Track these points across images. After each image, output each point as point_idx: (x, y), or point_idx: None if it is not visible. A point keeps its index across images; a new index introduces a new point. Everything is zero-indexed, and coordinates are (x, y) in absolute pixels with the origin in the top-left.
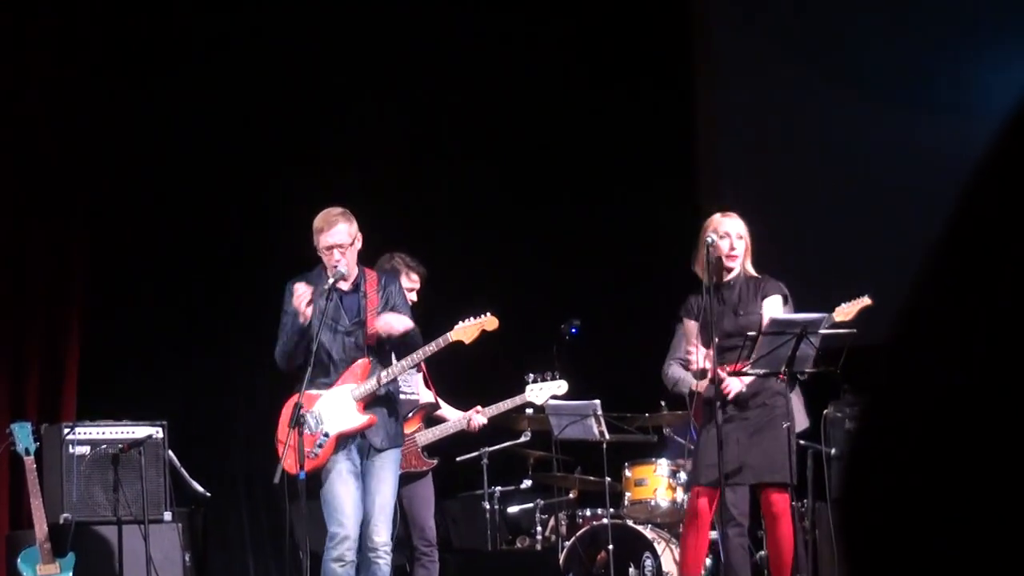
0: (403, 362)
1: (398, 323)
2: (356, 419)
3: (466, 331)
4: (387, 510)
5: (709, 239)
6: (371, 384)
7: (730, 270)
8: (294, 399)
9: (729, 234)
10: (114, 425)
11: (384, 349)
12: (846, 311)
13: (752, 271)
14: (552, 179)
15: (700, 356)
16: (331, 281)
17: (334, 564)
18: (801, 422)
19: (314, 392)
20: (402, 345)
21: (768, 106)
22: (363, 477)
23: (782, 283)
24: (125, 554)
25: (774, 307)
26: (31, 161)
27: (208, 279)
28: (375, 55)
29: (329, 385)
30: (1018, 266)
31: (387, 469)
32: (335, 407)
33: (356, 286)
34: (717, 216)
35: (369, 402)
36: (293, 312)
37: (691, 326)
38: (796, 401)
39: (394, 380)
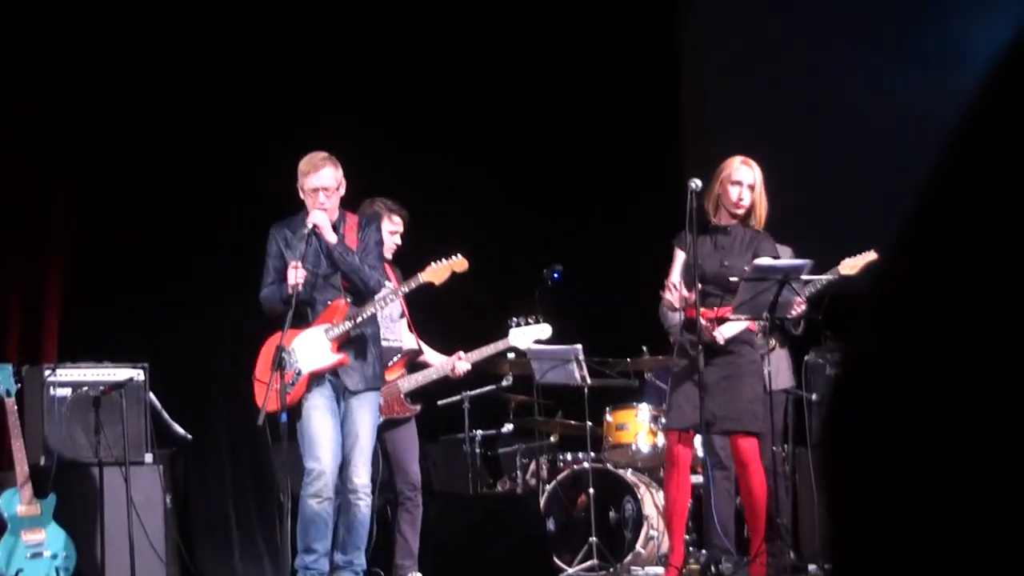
0: (377, 303)
1: (324, 223)
2: (328, 358)
3: (437, 272)
4: (366, 452)
5: (693, 185)
6: (346, 325)
7: (735, 217)
8: (273, 339)
9: (742, 183)
10: (95, 367)
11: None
12: (851, 265)
13: (756, 224)
14: (536, 124)
15: (675, 296)
16: (311, 226)
17: (311, 500)
18: (785, 380)
19: (293, 330)
20: (343, 267)
21: (754, 55)
22: (342, 419)
23: (776, 244)
24: (106, 496)
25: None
26: (13, 101)
27: (193, 221)
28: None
29: (308, 325)
30: (996, 220)
31: (365, 411)
32: (310, 346)
33: (335, 229)
34: (736, 162)
35: (344, 343)
36: (278, 282)
37: (679, 256)
38: (783, 358)
39: (372, 323)
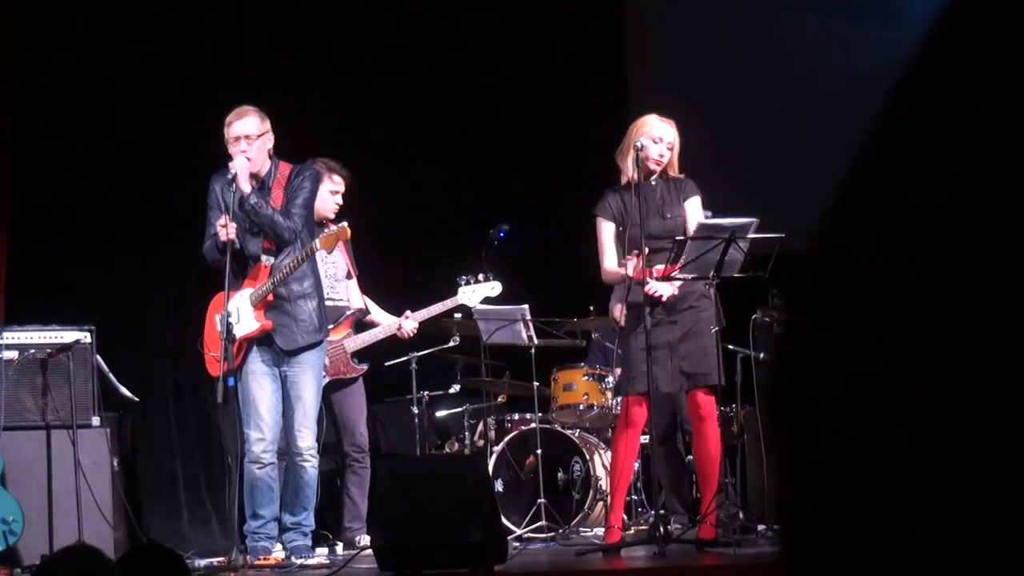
0: (288, 262)
1: (242, 170)
2: (252, 323)
3: (326, 240)
4: (310, 415)
5: (639, 143)
6: (267, 286)
7: (652, 172)
8: (213, 305)
9: (663, 139)
10: (42, 330)
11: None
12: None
13: (671, 172)
14: (482, 84)
15: (630, 266)
16: (230, 175)
17: (252, 465)
18: None
19: (231, 291)
20: (254, 218)
21: (698, 10)
22: (283, 382)
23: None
24: (53, 459)
25: (695, 208)
26: None
27: (136, 182)
28: None
29: (241, 285)
30: (936, 175)
31: (307, 373)
32: (241, 310)
33: (262, 183)
34: (655, 119)
35: (268, 305)
36: (215, 234)
37: (608, 228)
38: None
39: (306, 276)
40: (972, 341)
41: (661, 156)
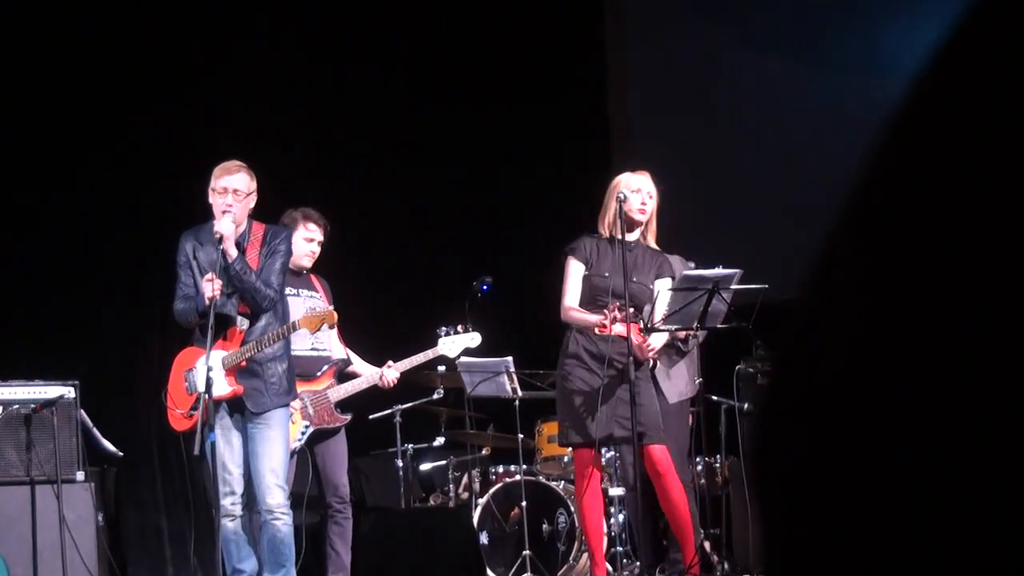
0: (265, 337)
1: (229, 233)
2: (223, 388)
3: (310, 321)
4: (278, 471)
5: (621, 195)
6: (239, 355)
7: (638, 224)
8: (181, 358)
9: (641, 189)
10: (26, 385)
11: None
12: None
13: (653, 243)
14: (465, 135)
15: (610, 317)
16: (216, 236)
17: (224, 520)
18: (687, 391)
19: (200, 348)
20: (237, 284)
21: (680, 64)
22: (250, 441)
23: (681, 259)
24: (38, 514)
25: (664, 289)
26: None
27: (121, 236)
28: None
29: (213, 345)
30: (920, 224)
31: (273, 429)
32: (211, 371)
33: (239, 243)
34: (627, 174)
35: (239, 371)
36: (190, 294)
37: (578, 268)
38: (683, 368)
39: (278, 342)
40: (955, 401)
41: (643, 204)
